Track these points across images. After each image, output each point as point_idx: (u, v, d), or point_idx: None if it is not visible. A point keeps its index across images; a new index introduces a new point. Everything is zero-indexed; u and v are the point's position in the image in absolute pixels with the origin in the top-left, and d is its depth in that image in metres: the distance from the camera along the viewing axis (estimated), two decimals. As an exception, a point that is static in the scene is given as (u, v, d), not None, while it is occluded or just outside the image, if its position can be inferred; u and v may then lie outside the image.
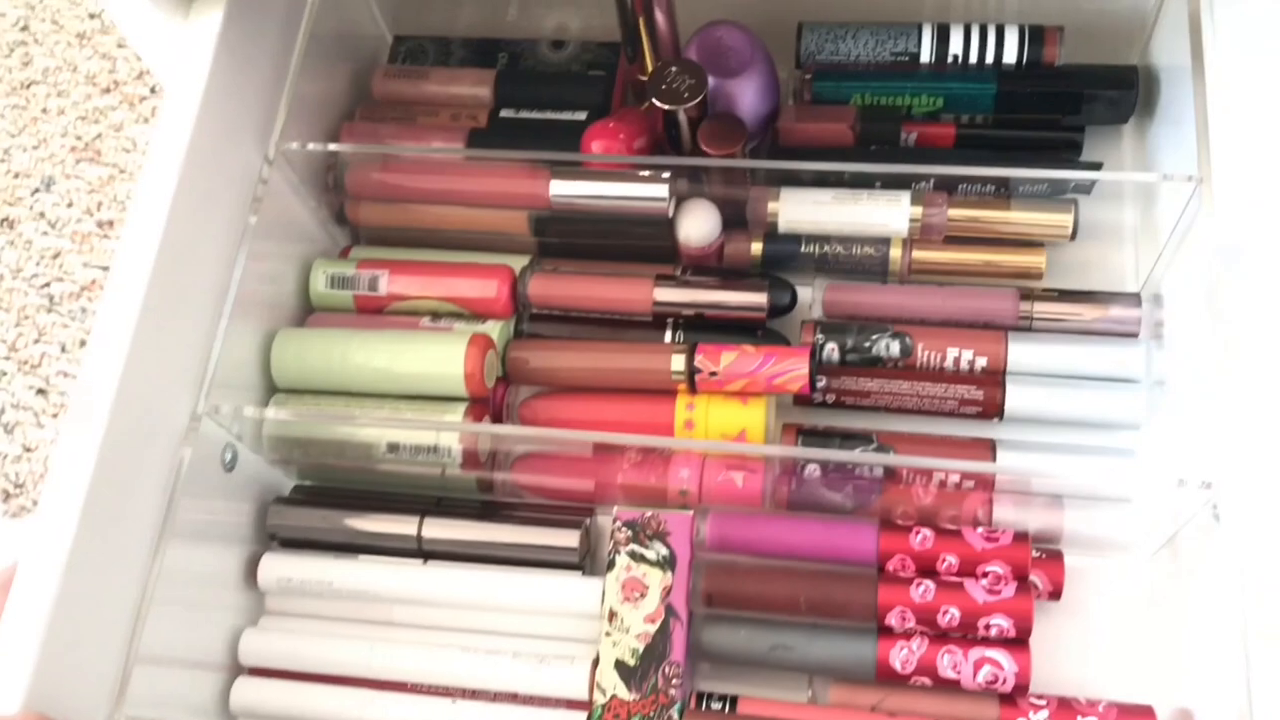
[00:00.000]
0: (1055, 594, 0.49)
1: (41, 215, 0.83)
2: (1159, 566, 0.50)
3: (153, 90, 0.90)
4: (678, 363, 0.52)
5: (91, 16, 0.94)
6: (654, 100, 0.53)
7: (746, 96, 0.55)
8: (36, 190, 0.85)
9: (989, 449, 0.51)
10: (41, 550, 0.41)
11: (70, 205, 0.88)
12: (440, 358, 0.51)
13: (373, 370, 0.52)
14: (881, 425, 0.53)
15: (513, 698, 0.49)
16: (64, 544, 0.41)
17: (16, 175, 0.89)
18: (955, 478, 0.50)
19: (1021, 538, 0.47)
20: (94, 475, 0.42)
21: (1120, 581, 0.50)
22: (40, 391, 0.83)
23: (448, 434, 0.50)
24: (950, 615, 0.46)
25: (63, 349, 0.84)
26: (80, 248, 0.86)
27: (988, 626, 0.46)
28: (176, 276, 0.47)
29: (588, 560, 0.52)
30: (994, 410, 0.52)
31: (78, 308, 0.85)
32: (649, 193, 0.52)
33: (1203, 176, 0.46)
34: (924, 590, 0.46)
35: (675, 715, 0.46)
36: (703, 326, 0.54)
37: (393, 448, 0.51)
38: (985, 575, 0.47)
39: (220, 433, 0.49)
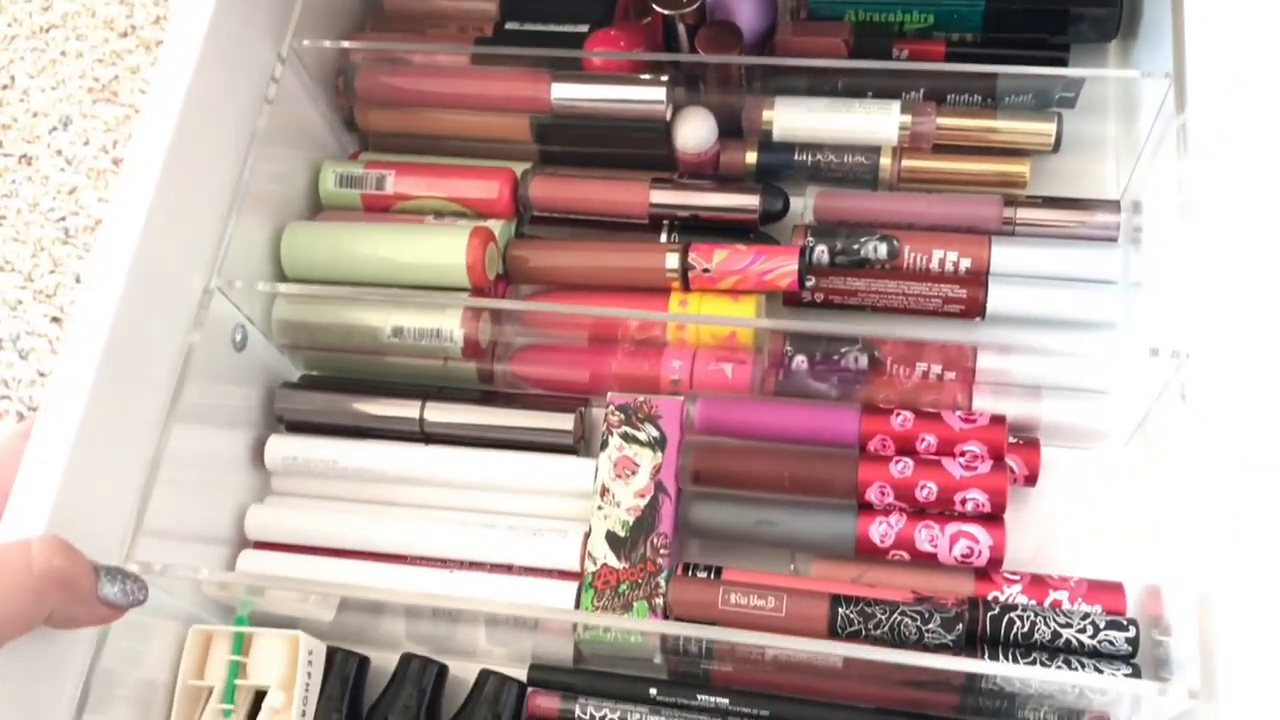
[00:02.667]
0: (1031, 479, 0.50)
1: (59, 153, 0.85)
2: (1132, 455, 0.52)
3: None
4: (672, 261, 0.54)
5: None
6: (654, 5, 0.55)
7: (744, 10, 0.57)
8: (54, 129, 0.87)
9: (971, 351, 0.53)
10: (55, 411, 0.43)
11: (87, 143, 0.90)
12: (443, 248, 0.53)
13: (378, 260, 0.54)
14: (868, 325, 0.55)
15: (508, 569, 0.51)
16: (78, 407, 0.43)
17: (35, 114, 0.91)
18: (937, 369, 0.52)
19: (998, 420, 0.49)
20: (108, 344, 0.44)
21: (1094, 470, 0.52)
22: (55, 320, 0.85)
23: (451, 319, 0.52)
24: (928, 490, 0.48)
25: (77, 279, 0.86)
26: (95, 184, 0.89)
27: (964, 501, 0.48)
28: (191, 163, 0.49)
29: (582, 445, 0.54)
30: (976, 309, 0.54)
31: (92, 240, 0.87)
32: (647, 96, 0.54)
33: (1177, 75, 0.48)
34: (903, 467, 0.48)
35: (662, 582, 0.48)
36: (697, 228, 0.56)
37: (397, 332, 0.53)
38: (963, 454, 0.48)
39: (231, 312, 0.51)
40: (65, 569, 0.38)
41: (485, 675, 0.49)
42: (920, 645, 0.46)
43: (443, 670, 0.49)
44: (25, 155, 0.85)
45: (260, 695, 0.47)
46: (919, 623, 0.46)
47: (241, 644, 0.48)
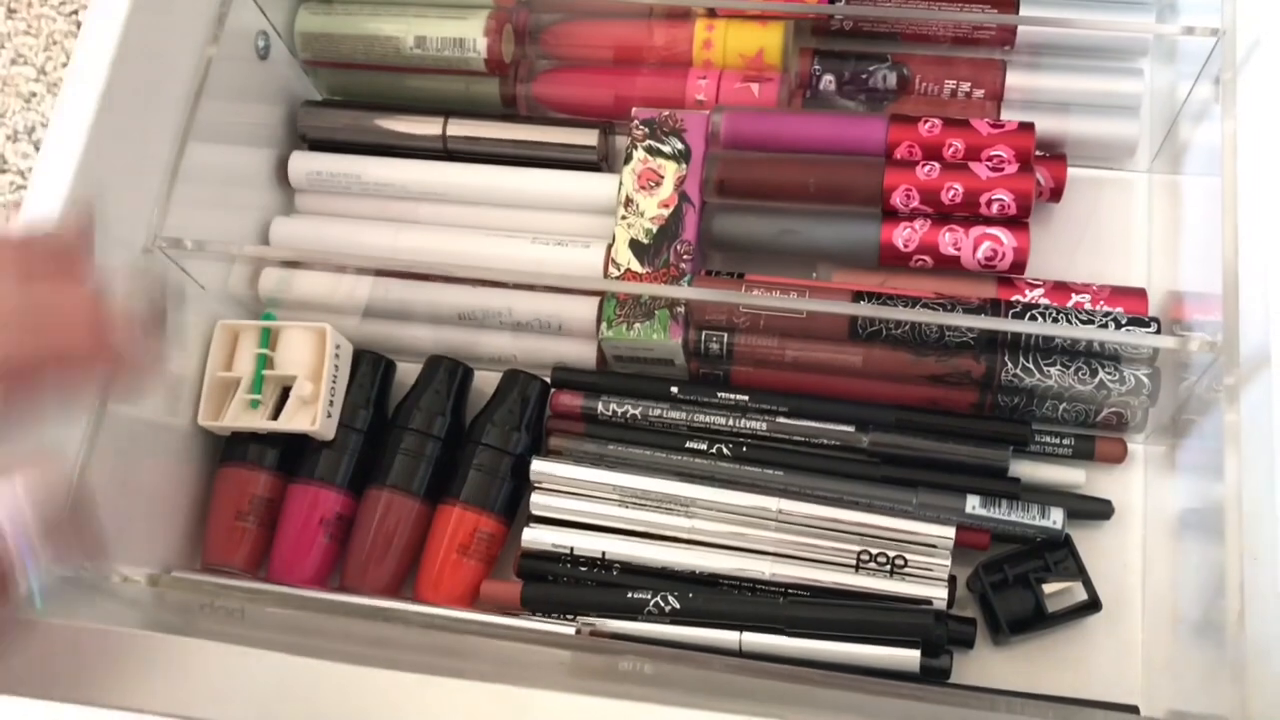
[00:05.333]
0: (1057, 193, 0.50)
1: None
2: (1157, 179, 0.52)
3: None
4: (700, -25, 0.53)
5: None
6: None
7: None
8: None
9: (1000, 69, 0.52)
10: (67, 122, 0.43)
11: None
12: (466, -42, 0.52)
13: (401, -27, 0.53)
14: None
15: (530, 288, 0.51)
16: (88, 115, 0.43)
17: None
18: (966, 87, 0.52)
19: (1027, 126, 0.48)
20: (119, 52, 0.43)
21: (1119, 190, 0.52)
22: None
23: (474, 27, 0.52)
24: (954, 192, 0.48)
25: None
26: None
27: (989, 203, 0.47)
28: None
29: (605, 165, 0.54)
30: (1007, 36, 0.53)
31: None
32: None
33: None
34: (929, 170, 0.48)
35: (685, 284, 0.49)
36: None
37: (419, 42, 0.52)
38: (990, 158, 0.48)
39: (254, 19, 0.51)
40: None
41: (512, 374, 0.49)
42: (939, 344, 0.46)
43: (469, 371, 0.50)
44: None
45: (287, 390, 0.48)
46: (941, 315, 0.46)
47: (269, 339, 0.48)
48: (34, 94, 0.87)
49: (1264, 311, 0.39)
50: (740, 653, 0.44)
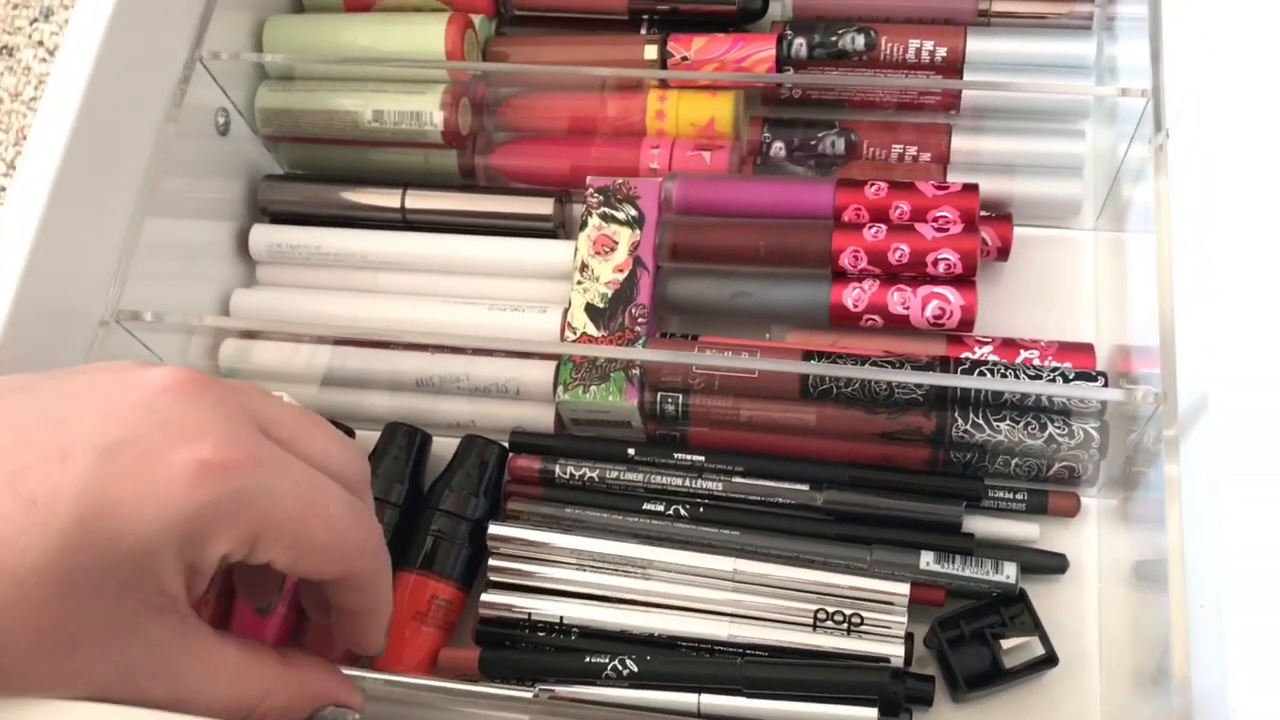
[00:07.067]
0: (1004, 252, 0.51)
1: (40, 43, 0.85)
2: (1102, 237, 0.53)
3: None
4: (651, 52, 0.55)
5: None
6: None
7: None
8: (35, 20, 0.86)
9: (945, 132, 0.53)
10: (23, 193, 0.43)
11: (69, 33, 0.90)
12: (423, 34, 0.53)
13: (359, 49, 0.54)
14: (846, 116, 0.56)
15: (489, 353, 0.52)
16: (44, 191, 0.43)
17: (15, 6, 0.90)
18: (913, 150, 0.53)
19: (971, 187, 0.50)
20: (77, 126, 0.44)
21: (1065, 248, 0.53)
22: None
23: (430, 101, 0.53)
24: (900, 253, 0.48)
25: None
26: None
27: (935, 262, 0.48)
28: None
29: (561, 232, 0.54)
30: (952, 101, 0.54)
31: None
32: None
33: None
34: (876, 231, 0.49)
35: (640, 346, 0.49)
36: (677, 22, 0.56)
37: (378, 116, 0.53)
38: (935, 219, 0.49)
39: (215, 96, 0.52)
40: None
41: (469, 439, 0.50)
42: (890, 401, 0.47)
43: (426, 438, 0.50)
44: (6, 46, 0.84)
45: (246, 459, 0.48)
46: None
47: (227, 408, 0.48)
48: (3, 189, 0.88)
49: (1202, 363, 0.40)
50: (699, 715, 0.44)
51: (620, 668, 0.44)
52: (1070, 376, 0.46)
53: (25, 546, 0.25)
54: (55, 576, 0.26)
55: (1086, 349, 0.48)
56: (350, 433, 0.51)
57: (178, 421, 0.28)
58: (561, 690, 0.45)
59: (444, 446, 0.51)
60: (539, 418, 0.51)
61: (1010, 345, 0.49)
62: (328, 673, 0.35)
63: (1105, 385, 0.46)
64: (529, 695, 0.45)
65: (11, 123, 0.85)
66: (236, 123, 0.53)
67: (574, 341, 0.50)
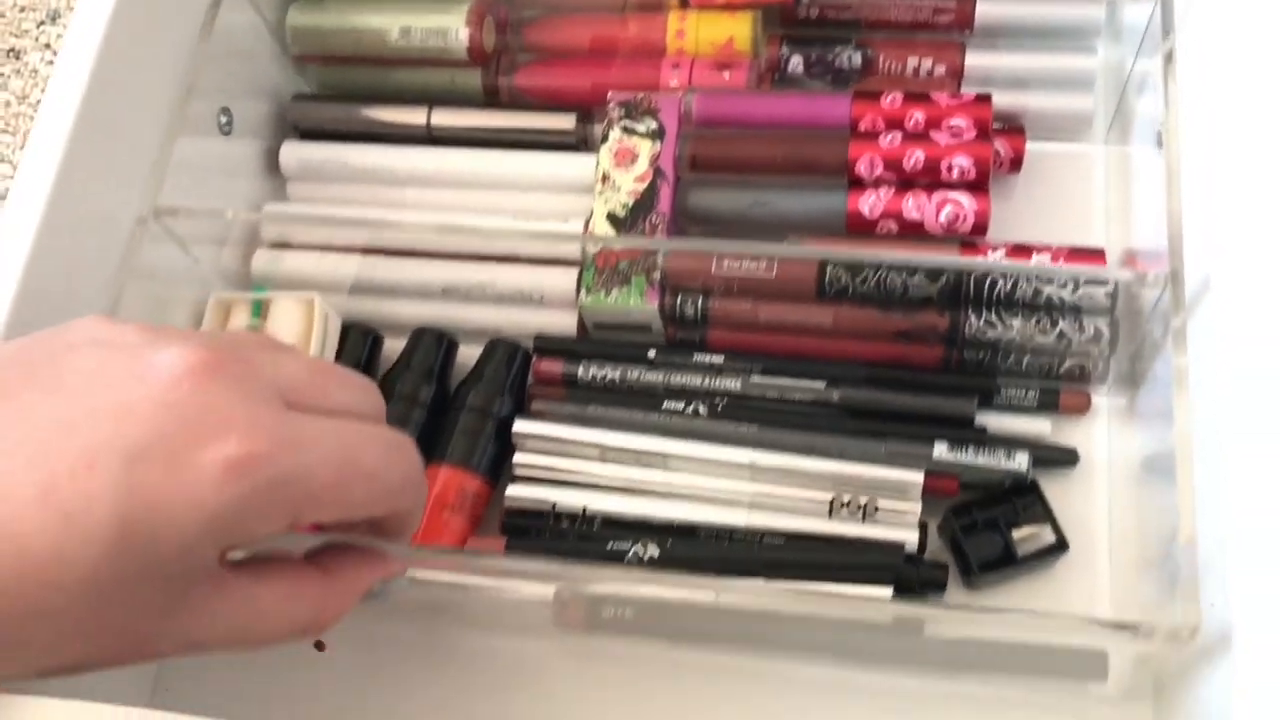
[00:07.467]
0: (1016, 164, 0.52)
1: (47, 46, 0.86)
2: (1112, 151, 0.54)
3: None
4: (669, -34, 0.56)
5: None
6: None
7: None
8: (42, 23, 0.87)
9: (959, 49, 0.55)
10: (55, 105, 0.45)
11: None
12: (448, -48, 0.55)
13: (386, -30, 0.56)
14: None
15: (514, 259, 0.53)
16: (76, 102, 0.45)
17: (23, 9, 0.91)
18: (928, 64, 0.54)
19: (984, 98, 0.51)
20: (109, 27, 0.46)
21: (1076, 162, 0.54)
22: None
23: (456, 17, 0.54)
24: (915, 159, 0.50)
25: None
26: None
27: (949, 168, 0.49)
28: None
29: (583, 147, 0.56)
30: (966, 19, 0.55)
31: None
32: None
33: None
34: (891, 139, 0.50)
35: (659, 259, 0.51)
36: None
37: (404, 33, 0.55)
38: (950, 128, 0.50)
39: (250, 19, 0.53)
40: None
41: (494, 342, 0.51)
42: (905, 298, 0.48)
43: (453, 342, 0.52)
44: (13, 49, 0.85)
45: (279, 360, 0.50)
46: (904, 275, 0.48)
47: (260, 310, 0.50)
48: (7, 190, 0.88)
49: (1209, 253, 0.41)
50: (717, 598, 0.45)
51: (641, 552, 0.46)
52: (1080, 281, 0.47)
53: (69, 560, 0.26)
54: (100, 584, 0.26)
55: (1097, 254, 0.49)
56: (379, 340, 0.52)
57: (199, 416, 0.27)
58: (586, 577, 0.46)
59: (470, 356, 0.52)
60: (562, 324, 0.52)
61: (1022, 249, 0.50)
62: (368, 564, 0.35)
63: (1115, 289, 0.47)
64: (554, 584, 0.46)
65: (19, 125, 0.86)
66: (265, 43, 0.55)
67: (596, 252, 0.51)
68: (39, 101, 0.82)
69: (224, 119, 0.53)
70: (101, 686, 0.28)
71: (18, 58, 0.85)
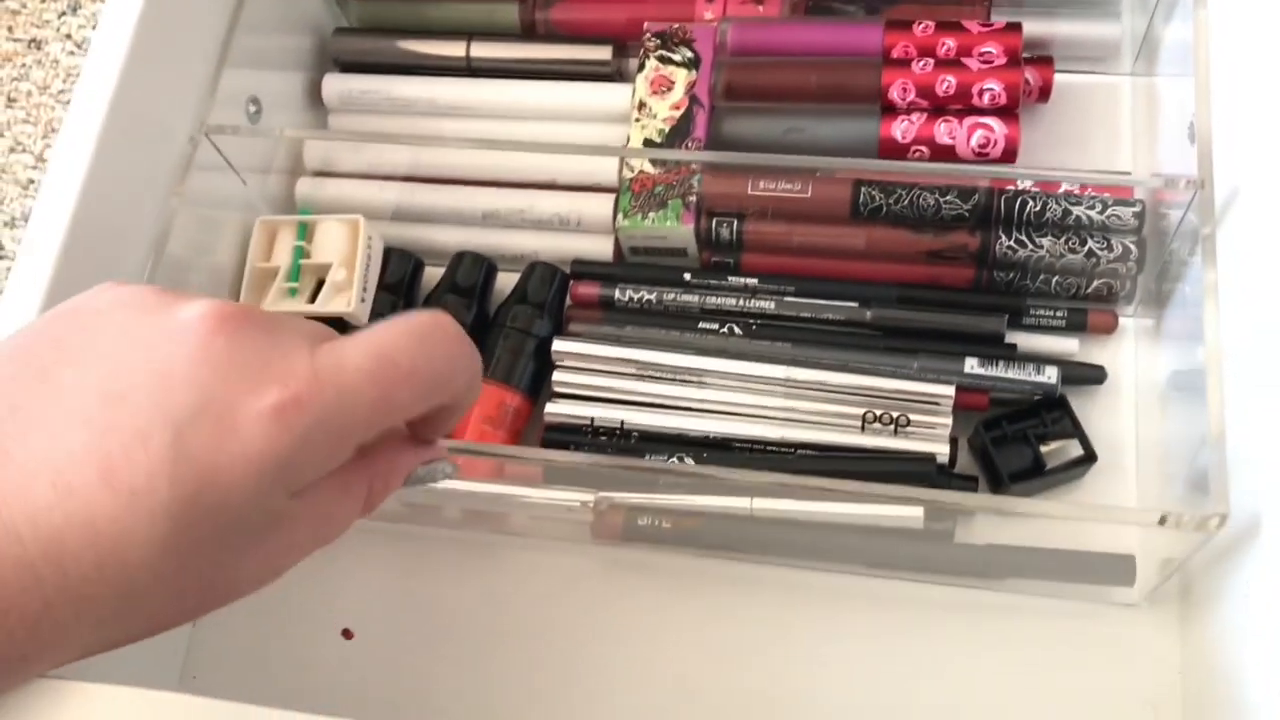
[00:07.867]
0: (1045, 93, 0.53)
1: (68, 37, 0.86)
2: (1139, 81, 0.55)
3: None
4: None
5: None
6: None
7: None
8: (64, 14, 0.88)
9: (987, -19, 0.55)
10: (109, 36, 0.47)
11: (95, 27, 0.93)
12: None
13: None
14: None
15: (551, 186, 0.54)
16: (128, 33, 0.46)
17: (44, 0, 0.91)
18: (957, -7, 0.55)
19: (1014, 26, 0.52)
20: None
21: (1104, 92, 0.55)
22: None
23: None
24: (947, 84, 0.51)
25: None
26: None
27: (980, 93, 0.50)
28: None
29: (619, 78, 0.57)
30: (995, -46, 0.56)
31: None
32: None
33: None
34: (924, 65, 0.51)
35: (695, 183, 0.52)
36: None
37: (444, -37, 0.56)
38: (980, 55, 0.51)
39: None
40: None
41: (533, 265, 0.52)
42: (937, 218, 0.49)
43: (493, 266, 0.53)
44: (35, 40, 0.86)
45: (322, 281, 0.51)
46: (937, 195, 0.49)
47: (305, 232, 0.51)
48: (31, 181, 0.89)
49: (1237, 161, 0.42)
50: (752, 511, 0.46)
51: (678, 464, 0.47)
52: (1109, 203, 0.48)
53: (141, 539, 0.26)
54: (176, 553, 0.27)
55: (1124, 188, 0.50)
56: (420, 265, 0.54)
57: (237, 369, 0.27)
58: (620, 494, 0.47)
59: (509, 282, 0.53)
60: (600, 249, 0.53)
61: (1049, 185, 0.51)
62: (413, 451, 0.35)
63: (1143, 213, 0.48)
64: (592, 496, 0.48)
65: (40, 115, 0.86)
66: None
67: (633, 178, 0.52)
68: (61, 91, 0.84)
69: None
70: (129, 670, 0.29)
71: (39, 48, 0.86)
